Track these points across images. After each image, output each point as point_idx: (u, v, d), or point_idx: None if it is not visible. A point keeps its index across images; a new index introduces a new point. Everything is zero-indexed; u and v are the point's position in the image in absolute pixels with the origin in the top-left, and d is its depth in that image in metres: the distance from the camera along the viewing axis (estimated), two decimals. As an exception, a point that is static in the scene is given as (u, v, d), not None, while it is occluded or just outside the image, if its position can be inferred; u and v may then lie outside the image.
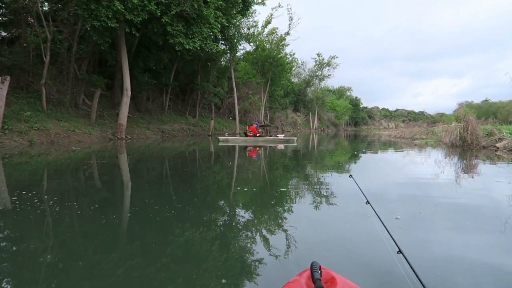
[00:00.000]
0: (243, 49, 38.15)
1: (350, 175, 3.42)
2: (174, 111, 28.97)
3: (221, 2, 18.23)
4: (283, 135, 20.73)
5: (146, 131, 21.35)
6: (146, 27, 17.58)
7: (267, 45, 37.56)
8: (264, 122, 39.20)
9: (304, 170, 7.67)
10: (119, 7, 14.44)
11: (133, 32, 16.37)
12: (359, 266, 2.33)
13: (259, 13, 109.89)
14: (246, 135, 19.23)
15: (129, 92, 18.03)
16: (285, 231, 3.06)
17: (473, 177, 6.50)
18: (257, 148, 14.13)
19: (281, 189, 5.15)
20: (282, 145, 16.32)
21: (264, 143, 17.41)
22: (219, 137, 18.79)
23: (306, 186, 5.41)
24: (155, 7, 15.37)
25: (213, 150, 13.31)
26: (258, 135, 19.10)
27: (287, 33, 37.43)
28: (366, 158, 11.02)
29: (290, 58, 41.51)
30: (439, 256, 2.49)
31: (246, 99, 37.75)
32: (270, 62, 38.10)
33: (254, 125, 19.95)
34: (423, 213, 3.61)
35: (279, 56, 38.39)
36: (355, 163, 9.30)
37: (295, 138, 19.10)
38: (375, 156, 11.73)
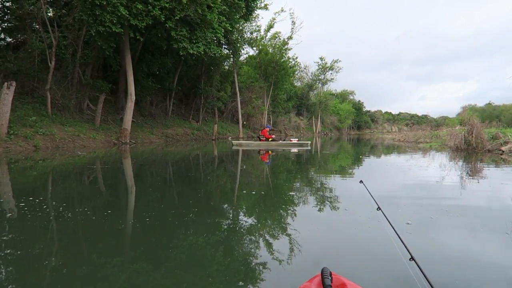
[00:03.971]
0: (246, 53, 38.27)
1: (361, 180, 3.36)
2: (178, 116, 29.06)
3: (225, 7, 18.36)
4: (297, 139, 20.63)
5: (150, 135, 21.43)
6: (150, 32, 17.71)
7: (270, 49, 37.65)
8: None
9: (311, 174, 7.63)
10: (124, 13, 14.56)
11: (137, 37, 16.49)
12: (371, 272, 2.29)
13: (262, 18, 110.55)
14: (260, 139, 19.26)
15: (133, 97, 18.12)
16: (295, 236, 3.02)
17: (480, 181, 6.44)
18: (270, 152, 14.13)
19: (290, 193, 5.13)
20: (295, 149, 16.27)
21: (278, 147, 17.35)
22: (232, 141, 18.91)
23: (315, 191, 5.37)
24: (159, 12, 15.48)
25: (216, 154, 13.31)
26: (270, 139, 19.10)
27: (290, 37, 37.47)
28: (372, 162, 10.96)
29: (293, 62, 41.56)
30: (453, 263, 2.45)
31: (249, 103, 37.81)
32: (273, 66, 38.18)
33: (266, 129, 19.90)
34: (434, 218, 3.56)
35: (282, 60, 38.45)
36: (361, 168, 9.25)
37: (309, 142, 18.97)
38: (380, 160, 11.67)
